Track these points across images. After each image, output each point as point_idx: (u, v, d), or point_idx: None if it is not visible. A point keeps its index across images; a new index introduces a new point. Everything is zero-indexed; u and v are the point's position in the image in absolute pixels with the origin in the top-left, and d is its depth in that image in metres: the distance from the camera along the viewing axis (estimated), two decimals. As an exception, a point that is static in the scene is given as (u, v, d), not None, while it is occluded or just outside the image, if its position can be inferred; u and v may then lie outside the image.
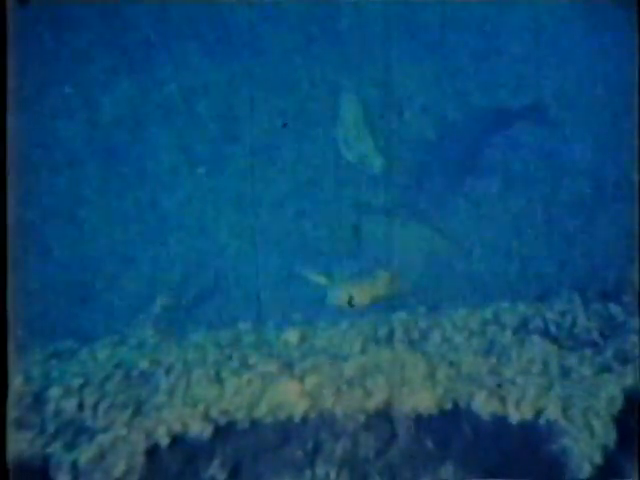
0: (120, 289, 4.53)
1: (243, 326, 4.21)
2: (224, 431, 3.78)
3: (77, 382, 3.93)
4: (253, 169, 4.79)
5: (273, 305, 4.40)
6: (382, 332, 4.14)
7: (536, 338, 4.13)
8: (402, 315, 4.26)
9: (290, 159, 4.88)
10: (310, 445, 3.78)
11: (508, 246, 4.72)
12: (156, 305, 4.49)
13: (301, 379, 3.86)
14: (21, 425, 3.77)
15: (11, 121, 4.09)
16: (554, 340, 4.14)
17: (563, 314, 4.31)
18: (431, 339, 4.13)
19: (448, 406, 3.82)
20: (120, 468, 3.69)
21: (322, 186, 4.79)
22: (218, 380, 3.91)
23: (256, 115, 4.87)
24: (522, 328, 4.22)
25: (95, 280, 4.58)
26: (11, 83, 4.13)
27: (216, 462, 3.77)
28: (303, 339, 4.15)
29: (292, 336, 4.16)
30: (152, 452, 3.72)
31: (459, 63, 5.03)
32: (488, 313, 4.28)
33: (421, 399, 3.84)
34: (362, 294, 4.46)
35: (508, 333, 4.18)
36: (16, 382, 3.93)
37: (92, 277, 4.57)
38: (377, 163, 4.83)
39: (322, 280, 4.52)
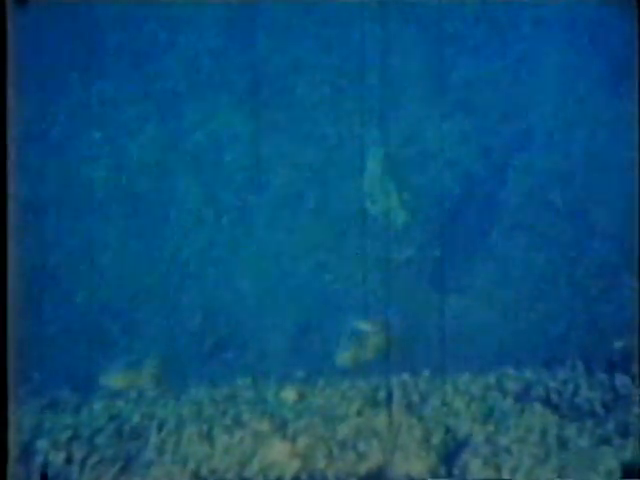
0: (138, 337, 4.52)
1: (242, 382, 4.17)
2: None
3: (67, 435, 3.88)
4: (277, 220, 4.80)
5: (282, 359, 4.37)
6: (381, 394, 4.09)
7: (537, 406, 4.06)
8: (405, 377, 4.21)
9: (314, 211, 4.89)
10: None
11: (522, 308, 4.68)
12: (162, 356, 4.47)
13: (294, 439, 3.81)
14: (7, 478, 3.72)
15: (22, 156, 4.11)
16: (555, 409, 4.07)
17: (565, 382, 4.25)
18: (430, 403, 4.08)
19: (442, 473, 3.74)
20: None
21: (345, 239, 4.80)
22: (210, 438, 3.86)
23: (282, 166, 4.90)
24: (524, 395, 4.16)
25: (113, 326, 4.59)
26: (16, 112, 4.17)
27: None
28: (301, 397, 4.10)
29: (290, 394, 4.12)
30: None
31: (487, 121, 5.03)
32: (492, 378, 4.23)
33: (414, 465, 3.77)
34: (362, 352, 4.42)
35: (509, 400, 4.12)
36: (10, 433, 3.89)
37: (110, 323, 4.57)
38: (401, 217, 4.82)
39: (368, 327, 4.49)
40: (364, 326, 4.50)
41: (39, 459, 3.80)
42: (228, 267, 4.75)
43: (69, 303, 4.77)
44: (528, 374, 4.33)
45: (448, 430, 3.88)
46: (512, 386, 4.24)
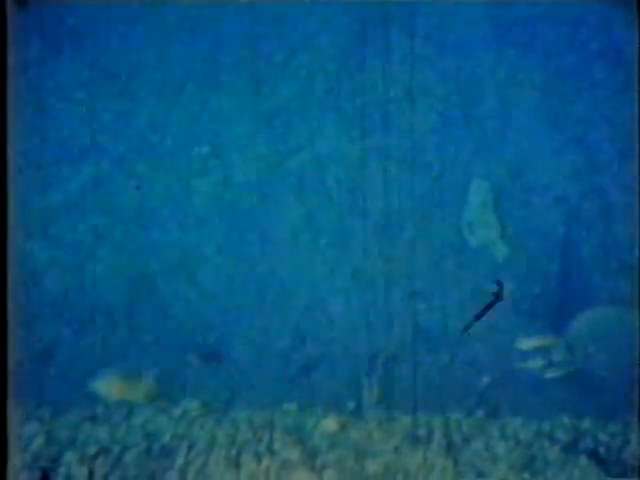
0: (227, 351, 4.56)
1: (288, 407, 4.11)
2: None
3: (94, 449, 3.91)
4: (374, 245, 4.75)
5: (351, 387, 4.30)
6: (423, 432, 3.95)
7: (583, 459, 3.84)
8: (455, 416, 4.07)
9: (412, 239, 4.82)
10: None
11: (604, 355, 4.47)
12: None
13: (320, 471, 3.71)
14: None
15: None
16: (600, 463, 3.84)
17: (614, 436, 4.01)
18: (472, 446, 3.91)
19: None
20: None
21: (441, 269, 4.70)
22: (236, 463, 3.80)
23: (384, 192, 4.85)
24: (573, 446, 3.94)
25: (206, 338, 4.65)
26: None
27: None
28: (342, 429, 4.00)
29: (331, 424, 4.03)
30: None
31: (601, 158, 4.85)
32: (546, 425, 4.03)
33: None
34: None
35: (556, 449, 3.90)
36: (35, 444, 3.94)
37: (203, 336, 4.63)
38: (501, 251, 4.69)
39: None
40: None
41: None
42: (322, 289, 4.73)
43: (165, 314, 4.86)
44: (582, 424, 4.14)
45: (480, 474, 3.72)
46: (562, 435, 4.06)
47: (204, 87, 4.98)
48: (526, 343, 4.46)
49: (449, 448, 3.90)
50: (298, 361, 4.52)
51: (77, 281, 4.94)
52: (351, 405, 4.37)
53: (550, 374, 4.38)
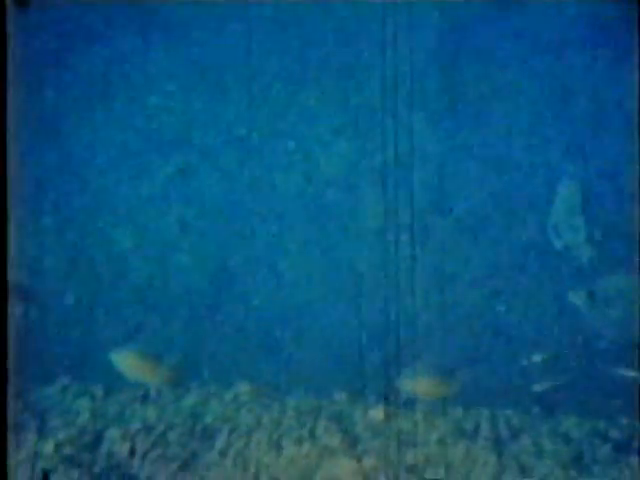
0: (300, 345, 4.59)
1: (338, 396, 4.10)
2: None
3: (136, 427, 3.97)
4: (456, 244, 4.70)
5: None
6: (470, 426, 3.89)
7: (634, 458, 3.70)
8: (507, 412, 3.99)
9: (495, 239, 4.74)
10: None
11: None
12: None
13: (359, 459, 3.70)
14: (72, 462, 3.85)
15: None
16: None
17: None
18: (520, 441, 3.81)
19: None
20: None
21: (524, 271, 4.61)
22: (278, 447, 3.82)
23: (469, 190, 4.80)
24: (625, 446, 3.80)
25: (284, 333, 4.69)
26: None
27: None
28: (387, 419, 3.98)
29: (378, 414, 4.02)
30: None
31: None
32: (601, 424, 3.90)
33: None
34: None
35: (607, 448, 3.76)
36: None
37: (280, 330, 4.67)
38: (586, 254, 4.57)
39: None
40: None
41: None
42: (401, 285, 4.70)
43: (246, 304, 4.91)
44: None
45: (523, 470, 3.63)
46: (616, 435, 3.92)
47: (292, 83, 5.01)
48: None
49: (495, 442, 3.85)
50: (371, 357, 4.50)
51: (161, 270, 5.04)
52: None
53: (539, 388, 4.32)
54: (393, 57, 4.96)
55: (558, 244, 4.61)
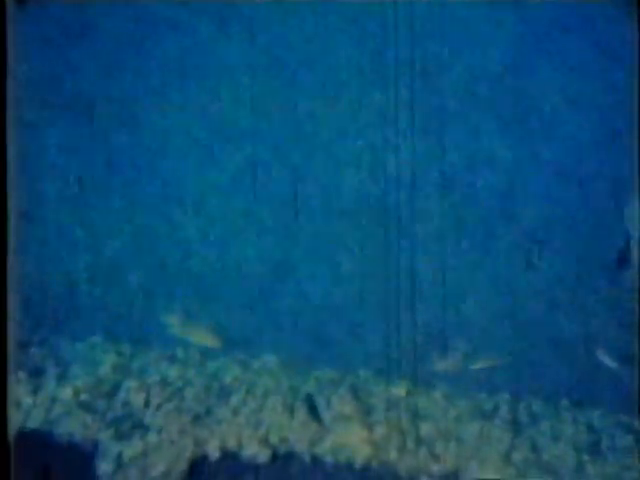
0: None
1: (364, 373, 4.12)
2: (280, 459, 3.73)
3: (155, 379, 4.08)
4: (520, 251, 4.68)
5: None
6: (490, 407, 3.90)
7: None
8: (536, 403, 3.98)
9: (559, 249, 4.70)
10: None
11: None
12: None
13: (372, 428, 3.74)
14: (87, 408, 3.96)
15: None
16: None
17: None
18: (539, 425, 3.80)
19: None
20: (159, 469, 3.77)
21: (586, 281, 4.56)
22: (291, 410, 3.89)
23: (535, 200, 4.76)
24: None
25: (338, 328, 4.72)
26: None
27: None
28: (409, 394, 4.01)
29: (398, 391, 4.05)
30: (198, 462, 3.74)
31: None
32: (625, 418, 3.85)
33: (489, 475, 3.56)
34: None
35: (628, 438, 3.72)
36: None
37: (335, 325, 4.70)
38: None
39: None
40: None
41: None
42: (459, 290, 4.69)
43: (304, 298, 4.96)
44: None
45: (535, 449, 3.61)
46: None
47: (367, 82, 5.03)
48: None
49: (512, 424, 3.86)
50: (426, 356, 4.50)
51: (223, 257, 5.11)
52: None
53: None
54: (469, 60, 4.95)
55: (635, 257, 4.53)
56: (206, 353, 4.69)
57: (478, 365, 4.27)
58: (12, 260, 4.27)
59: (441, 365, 4.27)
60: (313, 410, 3.90)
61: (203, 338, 4.47)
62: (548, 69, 4.83)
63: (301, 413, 3.98)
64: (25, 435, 3.97)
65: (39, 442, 3.99)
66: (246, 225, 5.10)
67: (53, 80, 5.22)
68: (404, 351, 4.58)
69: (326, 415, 3.99)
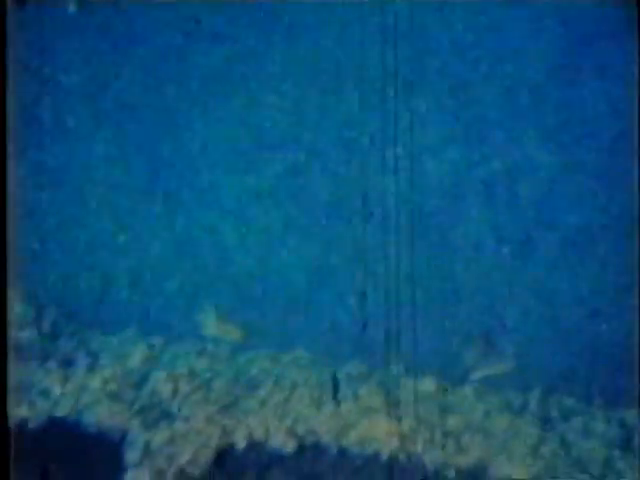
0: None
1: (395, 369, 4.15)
2: (307, 449, 3.77)
3: (184, 370, 4.15)
4: (560, 260, 4.63)
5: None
6: (518, 402, 3.90)
7: None
8: (568, 401, 3.96)
9: (601, 258, 4.64)
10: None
11: None
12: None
13: (399, 420, 3.77)
14: (114, 397, 4.02)
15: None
16: None
17: None
18: (570, 423, 3.78)
19: None
20: (185, 457, 3.83)
21: (628, 291, 4.49)
22: (319, 403, 3.93)
23: (576, 208, 4.71)
24: None
25: (375, 335, 4.71)
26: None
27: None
28: (437, 389, 4.01)
29: (427, 385, 4.05)
30: (225, 452, 3.78)
31: None
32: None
33: (517, 469, 3.55)
34: None
35: None
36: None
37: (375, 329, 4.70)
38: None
39: None
40: None
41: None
42: (498, 298, 4.66)
43: (342, 303, 4.96)
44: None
45: (563, 443, 3.71)
46: None
47: (406, 89, 5.03)
48: None
49: (542, 420, 3.83)
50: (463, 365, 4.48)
51: (262, 264, 5.14)
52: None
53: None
54: (512, 69, 4.92)
55: None
56: (237, 349, 4.73)
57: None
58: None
59: (481, 369, 4.25)
60: (335, 389, 3.95)
61: (236, 335, 4.51)
62: (590, 76, 4.79)
63: (328, 406, 4.01)
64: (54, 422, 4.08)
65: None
66: (285, 231, 5.13)
67: (98, 89, 5.32)
68: (440, 354, 4.57)
69: (349, 404, 4.01)
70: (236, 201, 5.22)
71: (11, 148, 4.97)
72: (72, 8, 5.14)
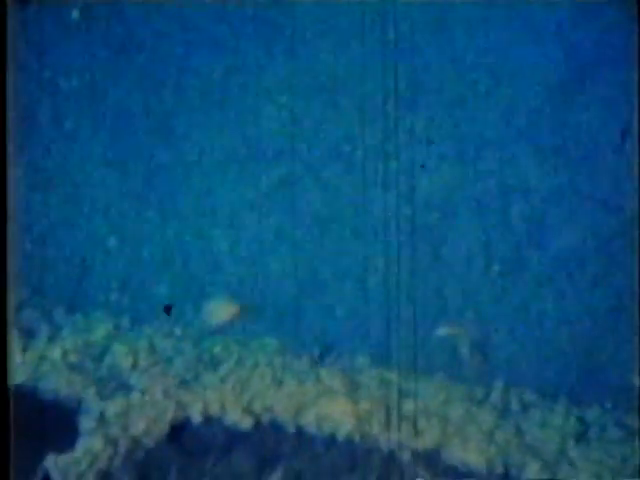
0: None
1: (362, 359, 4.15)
2: (262, 427, 3.80)
3: (143, 346, 4.19)
4: (557, 282, 4.64)
5: None
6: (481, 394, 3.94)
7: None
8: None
9: (591, 280, 4.64)
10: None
11: None
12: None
13: (357, 402, 3.81)
14: (72, 367, 4.05)
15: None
16: None
17: None
18: (528, 414, 3.82)
19: (499, 468, 3.64)
20: (139, 427, 3.85)
21: (617, 314, 4.50)
22: (279, 383, 3.99)
23: (568, 228, 4.72)
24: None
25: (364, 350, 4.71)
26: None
27: (243, 455, 3.80)
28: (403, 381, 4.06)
29: (392, 376, 4.10)
30: (180, 426, 3.80)
31: None
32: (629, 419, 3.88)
33: (472, 454, 3.70)
34: None
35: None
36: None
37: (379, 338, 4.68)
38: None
39: None
40: None
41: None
42: (487, 318, 4.66)
43: (331, 315, 4.96)
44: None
45: (519, 432, 3.78)
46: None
47: (401, 106, 5.06)
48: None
49: (504, 411, 3.87)
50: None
51: (252, 273, 5.13)
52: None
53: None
54: (509, 91, 4.95)
55: None
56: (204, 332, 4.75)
57: (442, 332, 4.30)
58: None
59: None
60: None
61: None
62: (589, 101, 4.82)
63: (288, 385, 4.06)
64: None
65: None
66: (276, 242, 5.13)
67: (97, 94, 5.33)
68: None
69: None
70: (229, 210, 5.22)
71: (11, 149, 4.98)
72: (75, 14, 5.16)
